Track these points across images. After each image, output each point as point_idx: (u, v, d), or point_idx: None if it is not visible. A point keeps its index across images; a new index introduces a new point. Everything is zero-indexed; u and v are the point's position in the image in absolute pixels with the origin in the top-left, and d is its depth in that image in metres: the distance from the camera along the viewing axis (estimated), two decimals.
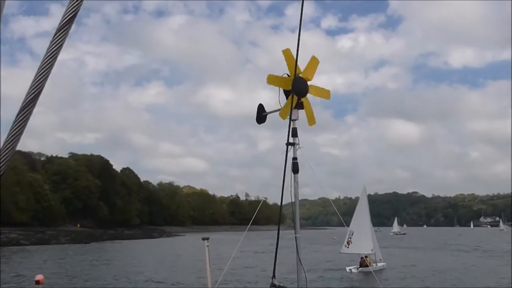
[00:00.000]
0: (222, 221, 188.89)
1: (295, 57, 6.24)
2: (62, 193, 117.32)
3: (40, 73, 1.31)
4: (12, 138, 1.28)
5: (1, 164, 1.28)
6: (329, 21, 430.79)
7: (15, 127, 1.27)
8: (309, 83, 6.75)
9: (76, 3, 1.34)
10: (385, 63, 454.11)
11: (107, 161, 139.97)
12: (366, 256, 33.92)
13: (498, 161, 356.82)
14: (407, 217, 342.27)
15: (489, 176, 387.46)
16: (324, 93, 7.09)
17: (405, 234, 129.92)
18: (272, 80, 6.55)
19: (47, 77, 1.31)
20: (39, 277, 29.52)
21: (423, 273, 34.61)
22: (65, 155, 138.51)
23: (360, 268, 33.37)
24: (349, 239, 34.20)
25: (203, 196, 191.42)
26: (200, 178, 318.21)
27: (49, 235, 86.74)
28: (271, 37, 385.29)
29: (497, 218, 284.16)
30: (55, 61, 1.31)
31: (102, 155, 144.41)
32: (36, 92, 1.28)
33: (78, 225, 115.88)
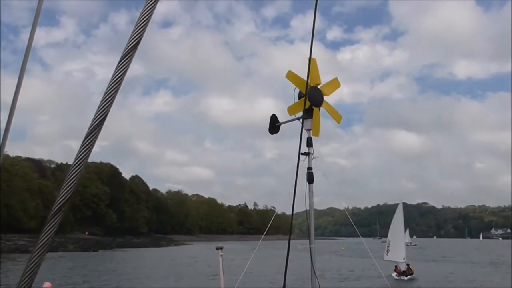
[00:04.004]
0: (230, 230, 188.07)
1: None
2: (71, 200, 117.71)
3: (106, 98, 1.34)
4: (79, 161, 1.31)
5: (70, 188, 1.34)
6: (334, 33, 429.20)
7: (82, 151, 1.30)
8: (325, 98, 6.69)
9: (140, 30, 1.40)
10: (390, 73, 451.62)
11: (116, 169, 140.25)
12: (408, 264, 37.19)
13: (507, 173, 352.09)
14: (416, 228, 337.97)
15: (499, 187, 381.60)
16: (336, 115, 6.96)
17: (416, 245, 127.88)
18: (291, 76, 6.43)
19: (112, 101, 1.34)
20: (47, 284, 29.34)
21: (452, 284, 35.36)
22: None
23: (409, 276, 36.27)
24: (388, 248, 38.00)
25: (211, 205, 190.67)
26: (206, 186, 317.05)
27: (58, 243, 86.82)
28: (276, 48, 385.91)
29: (509, 230, 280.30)
30: (120, 86, 1.34)
31: (110, 163, 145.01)
32: (103, 116, 1.32)
33: (87, 233, 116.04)
